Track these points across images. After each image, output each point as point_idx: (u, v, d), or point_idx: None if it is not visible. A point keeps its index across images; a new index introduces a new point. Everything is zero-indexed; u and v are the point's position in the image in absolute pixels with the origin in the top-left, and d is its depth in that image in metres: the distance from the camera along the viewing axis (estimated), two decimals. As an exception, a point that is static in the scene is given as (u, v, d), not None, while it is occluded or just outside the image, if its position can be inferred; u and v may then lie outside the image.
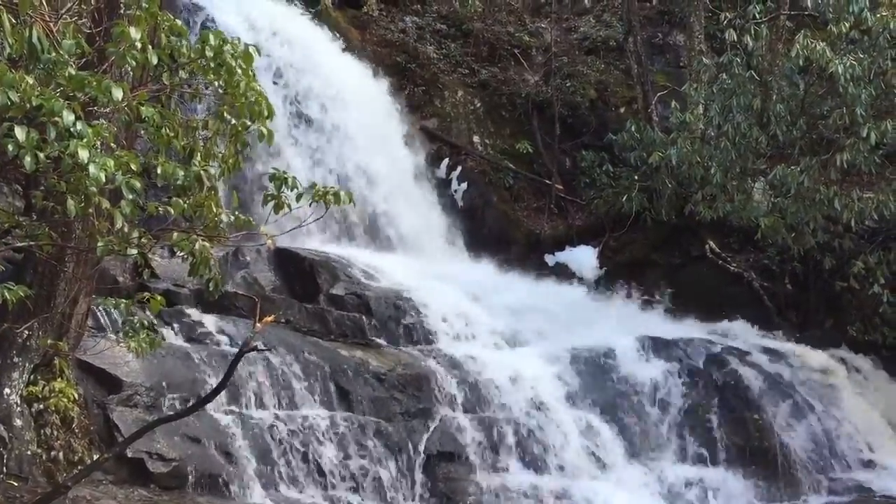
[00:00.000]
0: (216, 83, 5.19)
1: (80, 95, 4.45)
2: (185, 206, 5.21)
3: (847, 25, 11.05)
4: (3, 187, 8.81)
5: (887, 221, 11.72)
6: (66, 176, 4.46)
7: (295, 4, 14.65)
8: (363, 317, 10.44)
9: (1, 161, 4.79)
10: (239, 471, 7.97)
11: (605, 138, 14.82)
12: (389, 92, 14.80)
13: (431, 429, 9.24)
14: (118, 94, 4.42)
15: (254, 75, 5.33)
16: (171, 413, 7.55)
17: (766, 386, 10.78)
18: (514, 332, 11.13)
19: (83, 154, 4.19)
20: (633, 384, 10.50)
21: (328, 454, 8.53)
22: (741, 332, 12.32)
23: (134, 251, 5.12)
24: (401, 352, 10.13)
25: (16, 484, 6.79)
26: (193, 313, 9.36)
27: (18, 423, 7.04)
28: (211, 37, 5.04)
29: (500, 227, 14.78)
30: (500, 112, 15.80)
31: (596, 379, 10.46)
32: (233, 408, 8.48)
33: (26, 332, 7.06)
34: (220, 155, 5.62)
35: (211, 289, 5.63)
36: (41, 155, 4.25)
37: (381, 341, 10.28)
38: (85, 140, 4.25)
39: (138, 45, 4.60)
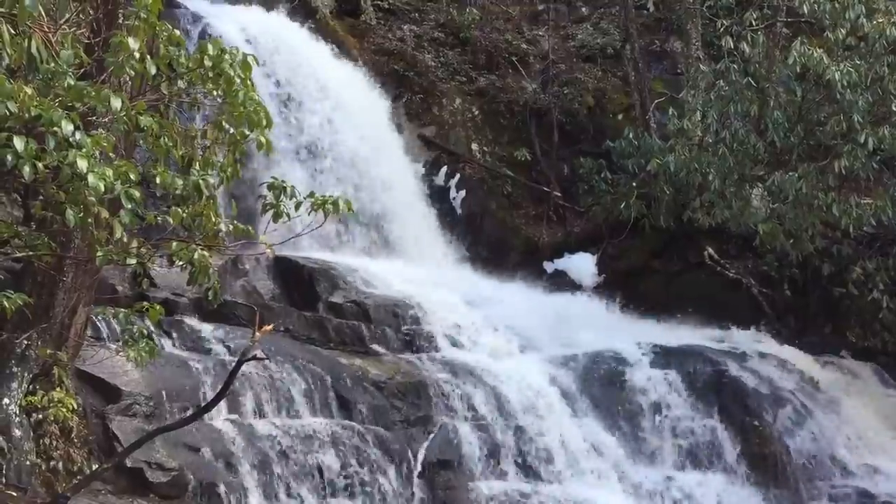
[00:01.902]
0: (215, 93, 5.20)
1: (79, 105, 4.46)
2: (184, 215, 5.22)
3: (843, 32, 11.07)
4: (3, 197, 8.82)
5: (885, 227, 11.74)
6: (64, 186, 4.46)
7: (293, 14, 14.68)
8: (362, 325, 10.43)
9: (0, 171, 4.80)
10: (238, 480, 7.96)
11: (604, 145, 14.83)
12: (387, 100, 14.81)
13: (431, 436, 9.23)
14: (117, 103, 4.43)
15: (252, 84, 5.35)
16: (171, 422, 7.54)
17: (765, 392, 10.78)
18: (512, 339, 11.12)
19: (82, 164, 4.20)
20: (633, 391, 10.50)
21: (327, 463, 8.51)
22: (740, 339, 12.32)
23: (133, 261, 5.13)
24: (400, 359, 10.12)
25: (15, 494, 6.77)
26: (193, 322, 9.35)
27: (17, 433, 7.03)
28: (209, 46, 5.06)
29: (499, 235, 14.79)
30: (499, 120, 15.81)
31: (595, 386, 10.46)
32: (232, 417, 8.47)
33: (25, 341, 7.05)
34: (219, 164, 5.63)
35: (210, 298, 5.64)
36: (40, 165, 4.26)
37: (381, 349, 10.27)
38: (84, 150, 4.26)
39: (137, 54, 4.61)
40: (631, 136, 13.62)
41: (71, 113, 4.34)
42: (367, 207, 13.32)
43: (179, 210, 5.17)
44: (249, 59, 5.25)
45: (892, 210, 11.15)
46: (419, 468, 8.96)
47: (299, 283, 10.96)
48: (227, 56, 5.01)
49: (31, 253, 5.72)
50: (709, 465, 10.05)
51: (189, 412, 7.87)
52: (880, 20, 10.79)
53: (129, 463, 7.42)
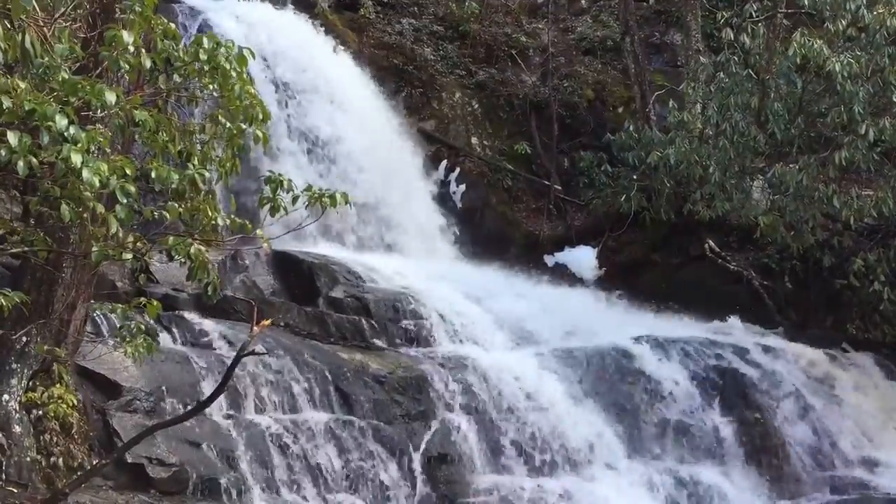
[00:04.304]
0: (211, 87, 5.18)
1: (74, 100, 4.44)
2: (181, 210, 5.20)
3: (844, 23, 11.05)
4: (1, 193, 8.80)
5: (886, 219, 11.71)
6: (60, 181, 4.45)
7: (292, 9, 14.66)
8: (363, 319, 10.41)
9: (-4, 167, 4.79)
10: (239, 475, 7.95)
11: (604, 138, 14.81)
12: (387, 94, 14.79)
13: (432, 431, 9.22)
14: (111, 98, 4.41)
15: (250, 78, 5.33)
16: (171, 418, 7.54)
17: (767, 385, 10.77)
18: (513, 333, 11.11)
19: (76, 159, 4.18)
20: (634, 384, 10.48)
21: (328, 457, 8.51)
22: (741, 331, 12.30)
23: (129, 256, 5.11)
24: (400, 354, 10.11)
25: (15, 490, 6.77)
26: (192, 317, 9.33)
27: (17, 429, 7.02)
28: (205, 40, 5.03)
29: (499, 229, 14.77)
30: (498, 113, 15.80)
31: (596, 379, 10.44)
32: (233, 412, 8.46)
33: (24, 338, 7.03)
34: (218, 159, 5.61)
35: (210, 293, 5.63)
36: (35, 160, 4.24)
37: (381, 343, 10.26)
38: (79, 145, 4.24)
39: (132, 48, 4.59)
40: (631, 128, 13.61)
41: (66, 108, 4.32)
42: (366, 202, 13.31)
43: (176, 205, 5.15)
44: (245, 52, 5.23)
45: (893, 201, 11.13)
46: (420, 462, 8.95)
47: (299, 277, 10.94)
48: (222, 50, 4.99)
49: (28, 249, 5.71)
50: (710, 457, 10.04)
51: (189, 407, 7.87)
52: (881, 11, 10.77)
53: (129, 458, 7.41)
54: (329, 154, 13.37)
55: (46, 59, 4.40)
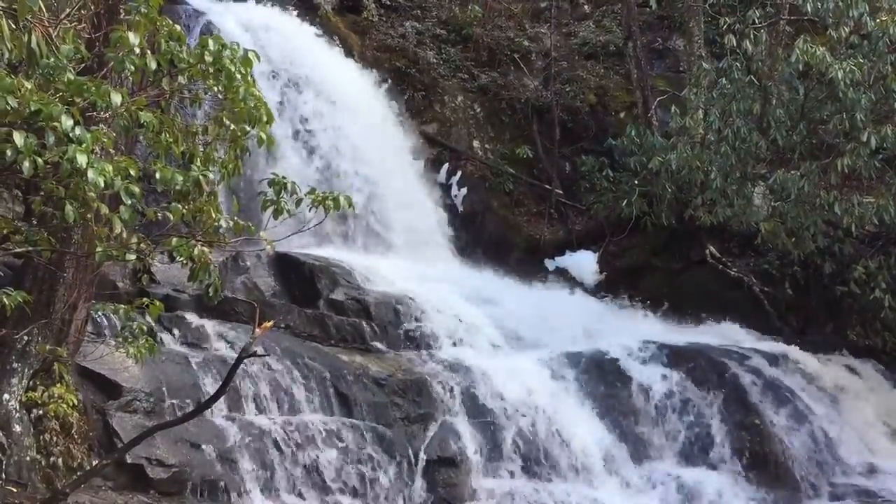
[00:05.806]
0: (215, 88, 5.18)
1: (79, 100, 4.45)
2: (185, 211, 5.21)
3: (847, 30, 11.06)
4: (3, 193, 8.80)
5: (887, 226, 11.71)
6: (64, 181, 4.45)
7: (295, 10, 14.68)
8: (363, 322, 10.43)
9: (0, 166, 4.79)
10: (239, 477, 7.96)
11: (605, 143, 14.81)
12: (389, 97, 14.81)
13: (431, 434, 9.23)
14: (117, 99, 4.42)
15: (253, 81, 5.33)
16: (171, 419, 7.54)
17: (766, 390, 10.76)
18: (514, 336, 11.12)
19: (82, 159, 4.18)
20: (634, 389, 10.48)
21: (328, 460, 8.51)
22: (741, 337, 12.30)
23: (132, 257, 5.12)
24: (400, 357, 10.12)
25: (15, 490, 6.78)
26: (193, 318, 9.34)
27: (17, 428, 7.03)
28: (210, 42, 5.04)
29: (500, 232, 14.78)
30: (500, 117, 15.81)
31: (596, 383, 10.44)
32: (233, 413, 8.47)
33: (25, 337, 7.05)
34: (220, 160, 5.62)
35: (210, 294, 5.64)
36: (40, 160, 4.24)
37: (381, 346, 10.27)
38: (84, 145, 4.24)
39: (137, 50, 4.60)
40: (633, 133, 13.59)
41: (71, 108, 4.32)
42: (368, 204, 13.31)
43: (179, 206, 5.16)
44: (250, 54, 5.23)
45: (895, 209, 11.12)
46: (420, 466, 8.95)
47: (300, 279, 10.95)
48: (227, 51, 4.99)
49: (31, 249, 5.71)
50: (709, 463, 10.03)
51: (189, 408, 7.87)
52: (884, 18, 10.77)
53: (129, 459, 7.42)
54: (329, 155, 13.36)
55: (52, 59, 4.41)
